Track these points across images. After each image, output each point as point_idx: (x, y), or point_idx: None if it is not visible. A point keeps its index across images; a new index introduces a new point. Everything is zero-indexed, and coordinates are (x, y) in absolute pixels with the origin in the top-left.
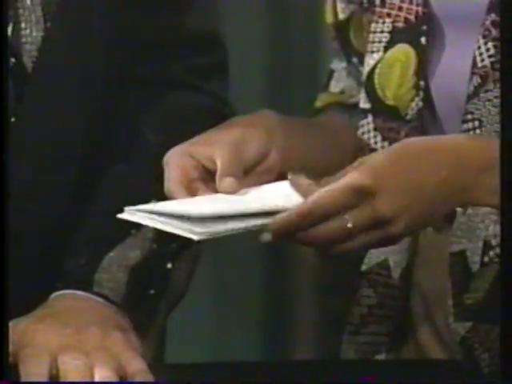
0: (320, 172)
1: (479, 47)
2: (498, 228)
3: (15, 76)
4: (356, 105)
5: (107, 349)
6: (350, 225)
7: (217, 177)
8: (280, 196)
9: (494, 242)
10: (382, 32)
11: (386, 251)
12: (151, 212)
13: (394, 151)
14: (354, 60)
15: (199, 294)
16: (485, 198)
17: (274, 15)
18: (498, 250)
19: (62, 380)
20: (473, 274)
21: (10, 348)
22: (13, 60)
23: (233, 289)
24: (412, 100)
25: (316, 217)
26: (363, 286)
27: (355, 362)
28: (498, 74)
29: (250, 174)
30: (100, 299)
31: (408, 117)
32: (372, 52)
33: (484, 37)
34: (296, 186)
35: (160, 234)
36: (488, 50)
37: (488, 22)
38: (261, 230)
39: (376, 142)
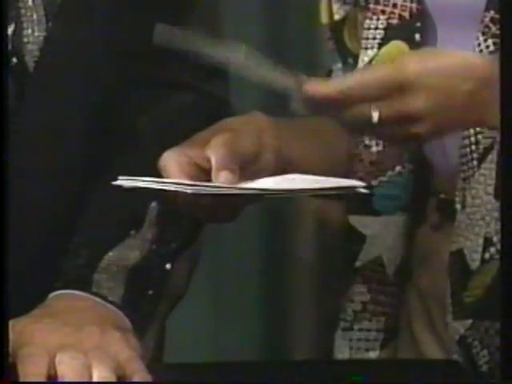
0: (314, 171)
1: (479, 44)
2: (498, 225)
3: (17, 75)
4: None
5: (106, 348)
6: (375, 119)
7: (213, 171)
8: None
9: (495, 239)
10: (376, 29)
11: (380, 248)
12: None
13: (429, 53)
14: (350, 61)
15: (198, 294)
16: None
17: (272, 15)
18: (498, 247)
19: (61, 379)
20: (472, 272)
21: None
22: (14, 60)
23: (231, 289)
24: None
25: (345, 98)
26: (357, 282)
27: (354, 362)
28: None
29: (244, 172)
30: (99, 299)
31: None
32: (366, 49)
33: (484, 34)
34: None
35: (159, 235)
36: (488, 46)
37: (487, 19)
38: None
39: (370, 139)
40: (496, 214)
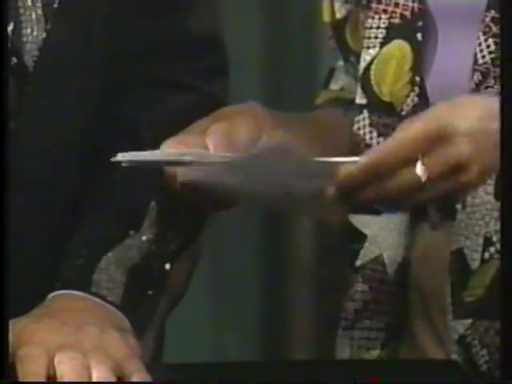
0: None
1: (480, 44)
2: (498, 224)
3: (16, 75)
4: (353, 100)
5: (105, 348)
6: (423, 174)
7: None
8: None
9: (494, 238)
10: (378, 28)
11: (380, 247)
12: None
13: (468, 99)
14: (352, 59)
15: (198, 294)
16: None
17: (272, 14)
18: (498, 247)
19: (60, 380)
20: (472, 271)
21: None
22: (14, 59)
23: (231, 288)
24: (407, 96)
25: (387, 167)
26: (358, 281)
27: (353, 362)
28: (498, 70)
29: None
30: (98, 299)
31: (403, 113)
32: (368, 48)
33: (484, 33)
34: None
35: (159, 235)
36: (488, 46)
37: (488, 19)
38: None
39: (371, 138)
40: (496, 214)
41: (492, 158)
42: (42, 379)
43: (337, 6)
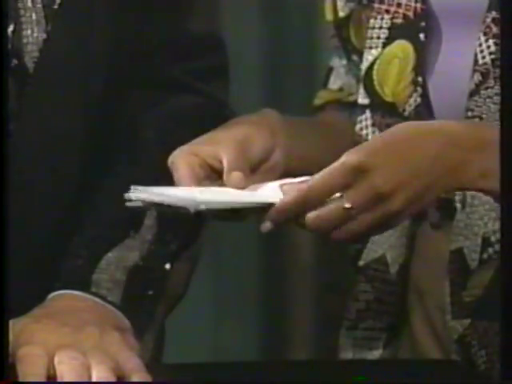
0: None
1: (480, 44)
2: (497, 225)
3: (16, 76)
4: (355, 102)
5: (105, 348)
6: (347, 205)
7: (224, 172)
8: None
9: (493, 239)
10: (380, 28)
11: (383, 247)
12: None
13: (387, 133)
14: (354, 58)
15: (198, 295)
16: (477, 181)
17: (272, 14)
18: (496, 247)
19: (60, 380)
20: (471, 272)
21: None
22: (14, 61)
23: (231, 289)
24: (410, 96)
25: (314, 200)
26: (361, 281)
27: (353, 362)
28: (498, 71)
29: (255, 172)
30: (98, 299)
31: (406, 113)
32: (370, 48)
33: (485, 34)
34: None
35: (159, 236)
36: (489, 47)
37: (489, 20)
38: (259, 220)
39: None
40: (494, 214)
41: (416, 188)
42: (42, 379)
43: (340, 4)
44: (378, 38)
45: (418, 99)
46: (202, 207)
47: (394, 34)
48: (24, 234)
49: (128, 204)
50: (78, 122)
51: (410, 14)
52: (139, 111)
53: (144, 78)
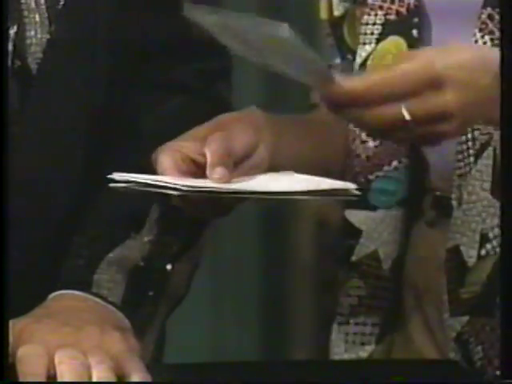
0: (311, 167)
1: (476, 41)
2: (495, 221)
3: (20, 78)
4: None
5: (105, 348)
6: (407, 117)
7: (207, 167)
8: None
9: (491, 235)
10: (374, 24)
11: (375, 242)
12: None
13: (450, 49)
14: (349, 56)
15: (198, 295)
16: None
17: (270, 12)
18: (494, 243)
19: (60, 379)
20: (469, 268)
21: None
22: (17, 62)
23: (231, 289)
24: None
25: (374, 95)
26: (353, 276)
27: (353, 362)
28: None
29: (239, 168)
30: (98, 300)
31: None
32: (364, 44)
33: (481, 30)
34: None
35: (160, 236)
36: (485, 43)
37: (484, 16)
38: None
39: (367, 134)
40: (492, 211)
41: (478, 111)
42: (42, 379)
43: (335, 3)
44: (372, 33)
45: None
46: (185, 189)
47: (387, 30)
48: (24, 234)
49: (111, 185)
50: (81, 122)
51: (404, 10)
52: (141, 112)
53: (146, 79)
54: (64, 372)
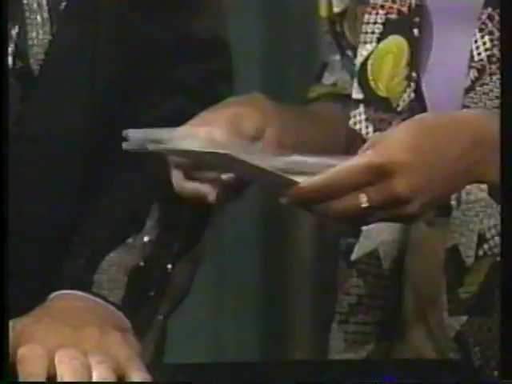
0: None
1: (476, 41)
2: (492, 221)
3: (21, 78)
4: (348, 96)
5: (105, 348)
6: (364, 204)
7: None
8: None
9: (488, 235)
10: (375, 23)
11: (375, 241)
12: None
13: (409, 128)
14: (349, 53)
15: (199, 295)
16: (495, 175)
17: (269, 10)
18: (491, 243)
19: (60, 379)
20: (467, 268)
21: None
22: (19, 63)
23: (231, 289)
24: (404, 91)
25: (331, 192)
26: (353, 275)
27: (352, 362)
28: (494, 67)
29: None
30: (99, 300)
31: (399, 108)
32: (365, 43)
33: (480, 30)
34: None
35: (161, 236)
36: (484, 43)
37: (484, 16)
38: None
39: (368, 133)
40: (490, 211)
41: (438, 190)
42: (42, 379)
43: (335, 0)
44: (373, 32)
45: (412, 95)
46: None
47: (388, 29)
48: (25, 234)
49: (124, 145)
50: (82, 123)
51: (405, 9)
52: (142, 113)
53: (148, 79)
54: (64, 372)
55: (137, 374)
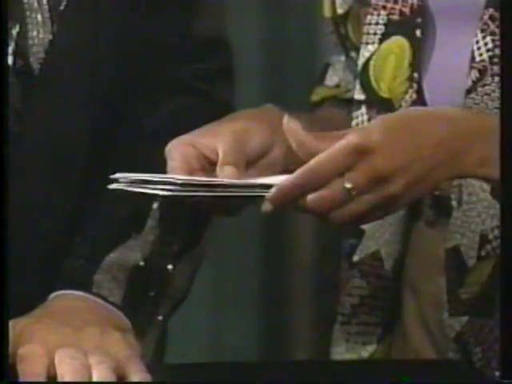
0: None
1: (477, 41)
2: (494, 222)
3: (22, 78)
4: (352, 99)
5: (105, 348)
6: (348, 185)
7: (218, 164)
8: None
9: (491, 236)
10: (377, 24)
11: (378, 242)
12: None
13: (391, 116)
14: (353, 54)
15: (199, 295)
16: (477, 169)
17: (270, 10)
18: (494, 244)
19: (60, 379)
20: (469, 269)
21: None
22: (20, 62)
23: (231, 289)
24: (406, 92)
25: (315, 181)
26: (355, 276)
27: (352, 362)
28: (495, 68)
29: (253, 167)
30: (99, 300)
31: (401, 109)
32: (367, 44)
33: (482, 31)
34: (291, 135)
35: (162, 236)
36: (486, 44)
37: (486, 17)
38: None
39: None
40: (492, 212)
41: (418, 172)
42: (42, 379)
43: (338, 1)
44: (375, 33)
45: (414, 95)
46: (180, 183)
47: (390, 30)
48: (25, 234)
49: (110, 186)
50: (83, 122)
51: (407, 10)
52: (143, 112)
53: (149, 79)
54: (64, 372)
55: (137, 374)
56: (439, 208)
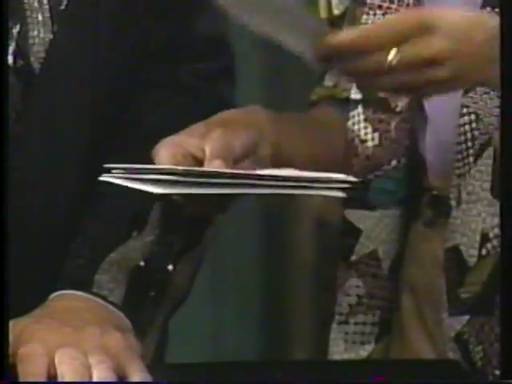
0: (311, 166)
1: None
2: (495, 220)
3: (22, 77)
4: (347, 98)
5: (106, 348)
6: (396, 59)
7: (205, 161)
8: None
9: (491, 235)
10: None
11: (375, 242)
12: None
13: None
14: None
15: (199, 295)
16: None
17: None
18: (495, 242)
19: (60, 379)
20: (469, 268)
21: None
22: (20, 61)
23: (231, 289)
24: None
25: (364, 44)
26: (352, 276)
27: (352, 362)
28: None
29: (239, 166)
30: (99, 300)
31: (398, 108)
32: None
33: None
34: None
35: (162, 236)
36: None
37: None
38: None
39: (366, 133)
40: (492, 210)
41: (472, 64)
42: (43, 379)
43: (334, 2)
44: None
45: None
46: (182, 172)
47: None
48: (25, 234)
49: (103, 177)
50: (83, 122)
51: (403, 9)
52: (144, 112)
53: (149, 78)
54: (64, 372)
55: (137, 374)
56: (438, 208)
